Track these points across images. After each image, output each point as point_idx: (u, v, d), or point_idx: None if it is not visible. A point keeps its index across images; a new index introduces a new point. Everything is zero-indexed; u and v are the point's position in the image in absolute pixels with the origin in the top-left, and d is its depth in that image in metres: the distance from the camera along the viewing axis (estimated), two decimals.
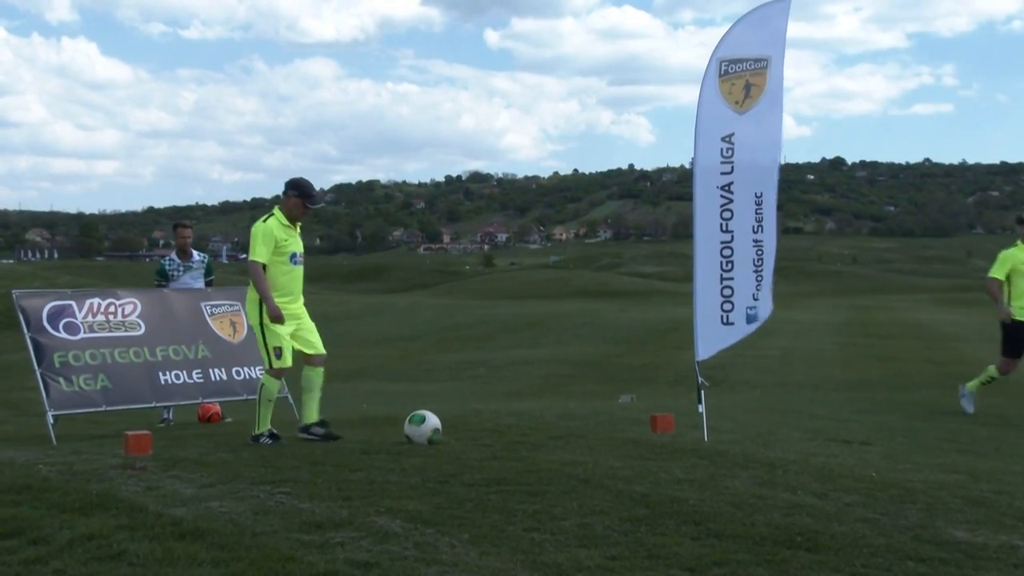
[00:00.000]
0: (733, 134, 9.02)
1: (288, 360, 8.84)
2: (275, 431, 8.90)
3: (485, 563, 4.87)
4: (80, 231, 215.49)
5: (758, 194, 9.02)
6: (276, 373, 8.89)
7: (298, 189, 8.89)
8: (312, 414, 9.03)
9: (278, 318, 8.72)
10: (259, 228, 8.80)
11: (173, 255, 12.51)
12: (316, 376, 9.05)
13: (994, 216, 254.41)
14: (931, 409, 14.80)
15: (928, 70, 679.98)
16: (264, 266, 8.76)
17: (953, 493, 6.92)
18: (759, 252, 9.08)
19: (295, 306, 8.94)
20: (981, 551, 5.30)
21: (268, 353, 8.80)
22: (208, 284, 12.58)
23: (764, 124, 9.08)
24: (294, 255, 8.86)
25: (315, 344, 9.04)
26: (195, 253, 12.60)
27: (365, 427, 10.02)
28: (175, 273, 12.32)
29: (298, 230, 8.98)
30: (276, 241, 8.74)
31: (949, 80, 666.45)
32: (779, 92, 9.08)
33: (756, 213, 9.03)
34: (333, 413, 13.35)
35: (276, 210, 8.91)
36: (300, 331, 8.97)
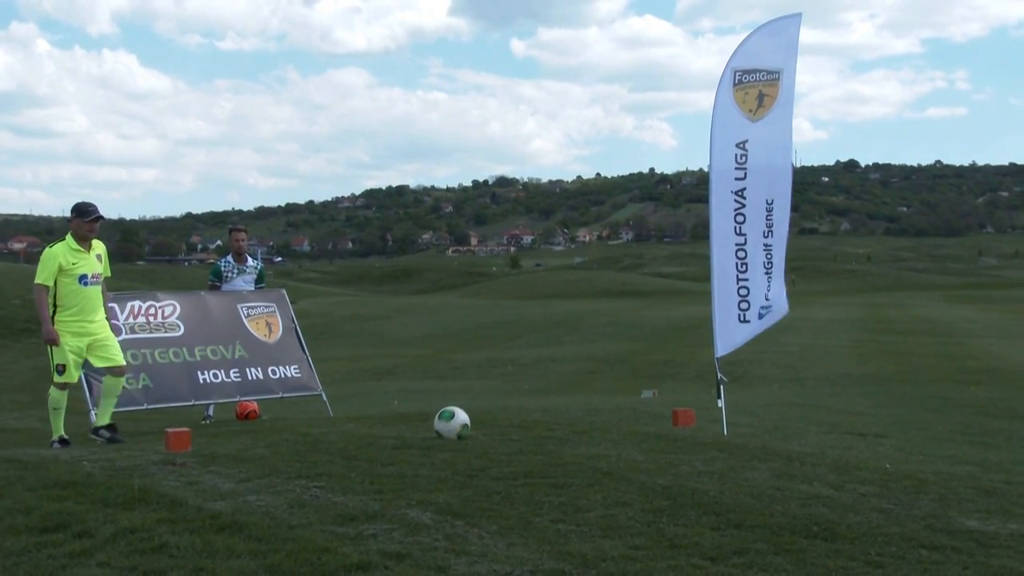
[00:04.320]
0: (747, 141, 9.18)
1: (72, 375, 9.37)
2: (65, 437, 9.39)
3: (512, 553, 4.96)
4: (121, 236, 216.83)
5: (769, 200, 9.20)
6: (60, 386, 9.38)
7: (74, 211, 9.36)
8: (105, 417, 9.51)
9: (51, 341, 9.27)
10: (45, 253, 9.34)
11: (229, 257, 12.66)
12: (114, 384, 9.54)
13: (1004, 216, 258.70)
14: (943, 402, 14.86)
15: (942, 75, 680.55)
16: (50, 288, 9.22)
17: (965, 484, 7.01)
18: (768, 256, 9.25)
19: (89, 323, 9.37)
20: (992, 539, 5.39)
21: (53, 369, 9.31)
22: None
23: (776, 132, 9.24)
24: (83, 276, 9.25)
25: (112, 357, 9.52)
26: (249, 259, 12.78)
27: (397, 423, 10.11)
28: (229, 275, 12.49)
29: (93, 252, 9.38)
30: (61, 264, 9.18)
31: (962, 84, 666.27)
32: (790, 101, 9.24)
33: (767, 219, 9.21)
34: (366, 410, 13.59)
35: (68, 235, 9.37)
36: (96, 347, 9.44)
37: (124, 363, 9.63)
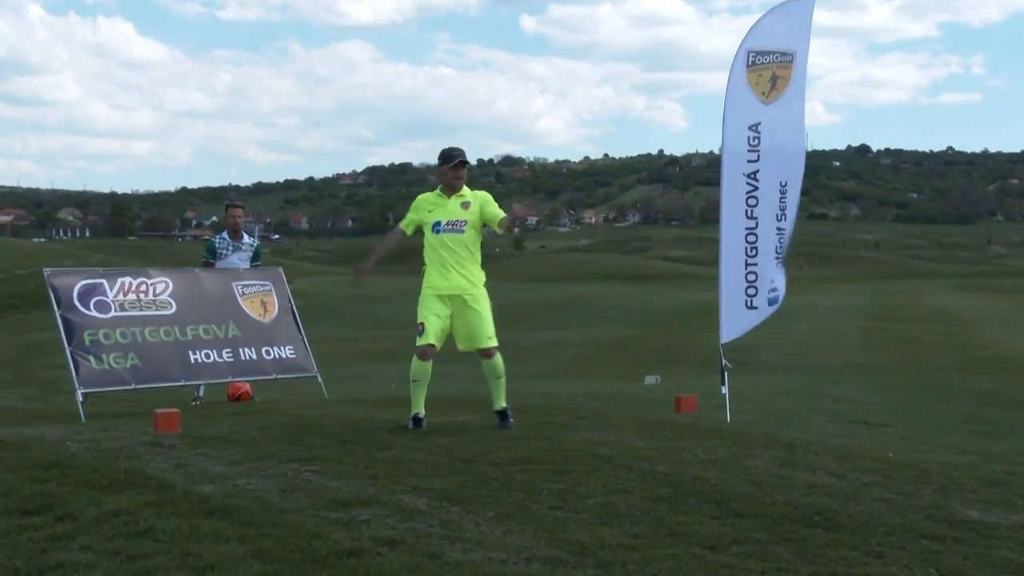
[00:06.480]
0: (760, 123, 9.14)
1: (429, 338, 8.28)
2: (420, 416, 8.40)
3: (509, 540, 4.92)
4: (113, 210, 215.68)
5: (783, 183, 9.15)
6: (420, 352, 8.35)
7: (439, 158, 8.63)
8: (500, 400, 8.63)
9: (357, 275, 9.09)
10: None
11: (224, 234, 12.60)
12: (490, 367, 8.57)
13: (1014, 203, 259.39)
14: (948, 392, 14.85)
15: (957, 59, 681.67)
16: (408, 235, 8.69)
17: (967, 474, 6.94)
18: (781, 240, 9.21)
19: (452, 282, 8.43)
20: (993, 530, 5.34)
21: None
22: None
23: (789, 114, 9.20)
24: (437, 224, 8.40)
25: (476, 338, 8.48)
26: (246, 235, 12.70)
27: (394, 407, 10.04)
28: (224, 252, 12.40)
29: (453, 200, 8.46)
30: (420, 211, 8.53)
31: (978, 70, 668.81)
32: (803, 84, 9.22)
33: (780, 201, 9.17)
34: (362, 393, 13.51)
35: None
36: (457, 324, 8.49)
37: (491, 345, 8.46)
